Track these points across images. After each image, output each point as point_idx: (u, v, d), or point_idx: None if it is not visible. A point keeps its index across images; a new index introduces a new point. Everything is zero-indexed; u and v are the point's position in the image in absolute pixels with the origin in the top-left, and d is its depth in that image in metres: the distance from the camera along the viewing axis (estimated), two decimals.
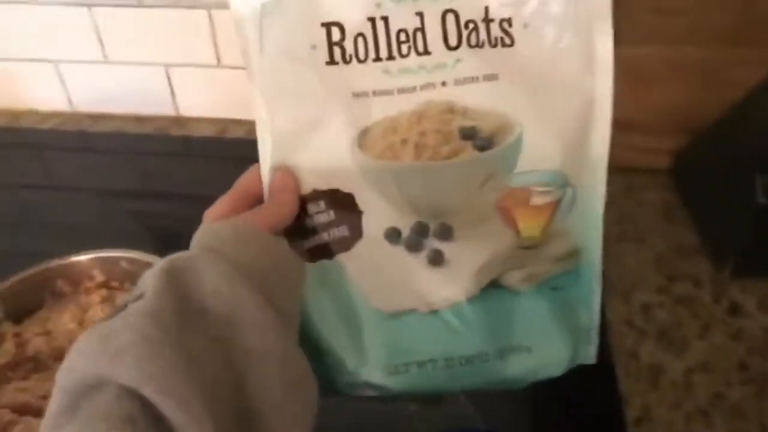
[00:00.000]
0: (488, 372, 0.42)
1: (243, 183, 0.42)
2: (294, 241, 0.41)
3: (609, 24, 0.40)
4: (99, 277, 0.59)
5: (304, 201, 0.42)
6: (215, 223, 0.38)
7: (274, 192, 0.41)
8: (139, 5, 0.78)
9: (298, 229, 0.41)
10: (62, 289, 0.58)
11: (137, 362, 0.28)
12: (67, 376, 0.29)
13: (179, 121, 0.89)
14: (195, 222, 0.38)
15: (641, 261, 0.65)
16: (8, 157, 0.86)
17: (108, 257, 0.59)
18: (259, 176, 0.42)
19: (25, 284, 0.58)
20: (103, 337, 0.29)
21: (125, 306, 0.31)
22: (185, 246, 0.36)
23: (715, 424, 0.51)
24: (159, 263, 0.34)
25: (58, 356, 0.54)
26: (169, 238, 0.35)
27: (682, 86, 0.72)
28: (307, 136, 0.42)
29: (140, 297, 0.32)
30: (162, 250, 0.57)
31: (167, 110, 0.89)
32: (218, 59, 0.81)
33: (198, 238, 0.37)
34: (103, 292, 0.58)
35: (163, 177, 0.82)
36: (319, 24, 0.41)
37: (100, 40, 0.83)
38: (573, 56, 0.40)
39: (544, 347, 0.42)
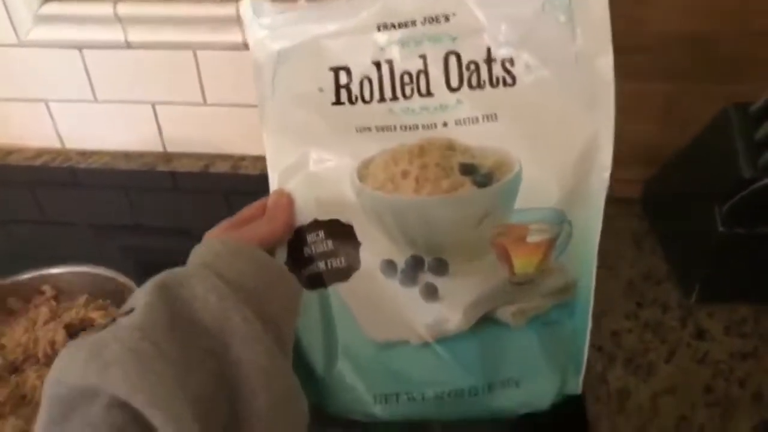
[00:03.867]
0: (477, 405, 0.42)
1: (246, 211, 0.44)
2: (293, 269, 0.42)
3: (610, 60, 0.40)
4: (49, 292, 0.62)
5: (304, 230, 0.43)
6: (209, 239, 0.40)
7: (268, 210, 0.43)
8: (128, 47, 0.81)
9: (297, 257, 0.43)
10: (13, 305, 0.61)
11: (126, 374, 0.29)
12: (56, 387, 0.30)
13: (166, 156, 0.91)
14: (182, 254, 0.39)
15: (611, 288, 0.67)
16: (0, 193, 0.88)
17: (55, 273, 0.62)
18: (262, 206, 0.43)
19: None
20: (92, 350, 0.30)
21: (114, 320, 0.32)
22: None
23: None
24: (151, 279, 0.35)
25: (12, 369, 0.56)
26: (158, 269, 0.37)
27: (650, 119, 0.75)
28: (310, 168, 0.43)
29: (131, 311, 0.33)
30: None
31: (154, 146, 0.91)
32: (204, 97, 0.84)
33: (193, 253, 0.39)
34: (52, 304, 0.61)
35: (151, 211, 0.84)
36: (328, 68, 0.43)
37: (90, 80, 0.86)
38: (575, 94, 0.41)
39: (533, 381, 0.42)
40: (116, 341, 0.30)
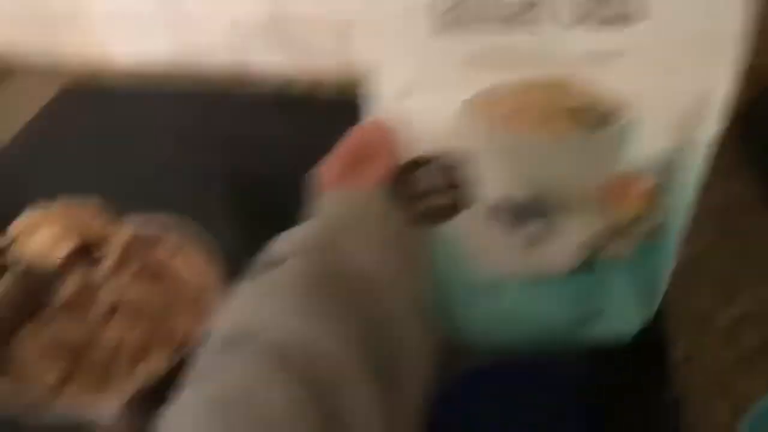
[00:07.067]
0: (575, 338, 0.45)
1: (349, 142, 0.43)
2: (399, 205, 0.42)
3: (740, 16, 0.37)
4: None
5: (410, 165, 0.42)
6: (337, 195, 0.41)
7: (379, 147, 0.42)
8: None
9: (402, 193, 0.42)
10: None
11: (283, 317, 0.32)
12: (220, 328, 0.33)
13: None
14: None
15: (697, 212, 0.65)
16: (85, 108, 0.91)
17: None
18: (363, 134, 0.43)
19: None
20: (252, 296, 0.34)
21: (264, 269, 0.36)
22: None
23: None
24: (298, 235, 0.38)
25: None
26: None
27: None
28: (417, 99, 0.41)
29: (281, 262, 0.35)
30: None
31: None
32: None
33: (325, 208, 0.40)
34: None
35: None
36: None
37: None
38: (702, 42, 0.39)
39: (623, 316, 0.45)
40: (276, 287, 0.34)
